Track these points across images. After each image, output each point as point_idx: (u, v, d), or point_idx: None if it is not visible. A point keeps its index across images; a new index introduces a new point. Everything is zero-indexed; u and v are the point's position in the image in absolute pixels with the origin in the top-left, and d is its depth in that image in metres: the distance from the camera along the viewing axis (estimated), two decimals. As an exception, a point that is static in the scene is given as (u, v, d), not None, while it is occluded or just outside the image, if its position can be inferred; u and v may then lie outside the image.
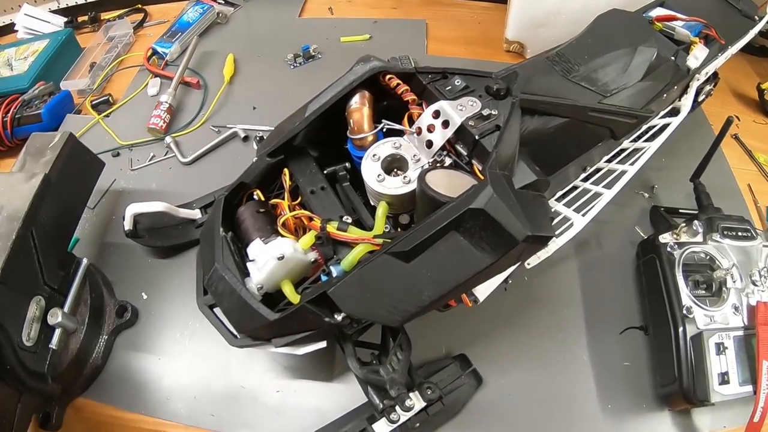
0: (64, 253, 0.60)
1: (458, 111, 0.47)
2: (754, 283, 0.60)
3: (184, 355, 0.60)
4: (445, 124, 0.47)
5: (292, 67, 0.92)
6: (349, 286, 0.42)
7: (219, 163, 0.78)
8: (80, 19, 1.02)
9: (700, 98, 0.82)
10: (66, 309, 0.55)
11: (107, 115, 0.84)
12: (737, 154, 0.87)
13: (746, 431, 0.53)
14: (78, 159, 0.63)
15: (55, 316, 0.53)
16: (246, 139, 0.80)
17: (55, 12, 1.01)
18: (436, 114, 0.48)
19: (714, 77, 0.80)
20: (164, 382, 0.59)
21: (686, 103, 0.70)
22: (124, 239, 0.64)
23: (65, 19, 1.00)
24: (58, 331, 0.54)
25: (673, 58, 0.65)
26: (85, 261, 0.60)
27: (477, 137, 0.46)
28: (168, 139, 0.78)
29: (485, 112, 0.47)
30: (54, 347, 0.53)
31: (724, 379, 0.55)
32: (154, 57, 0.92)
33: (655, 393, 0.60)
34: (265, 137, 0.61)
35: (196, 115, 0.83)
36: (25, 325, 0.51)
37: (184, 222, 0.68)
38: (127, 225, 0.63)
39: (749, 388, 0.56)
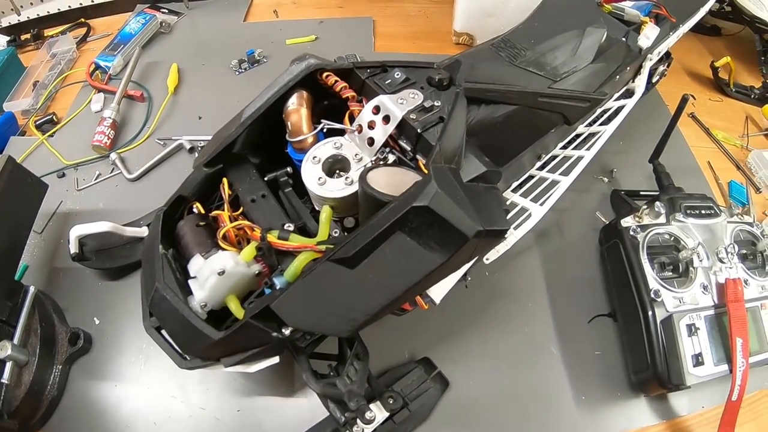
0: (11, 283, 0.57)
1: (399, 105, 0.45)
2: (721, 261, 0.60)
3: (140, 379, 0.58)
4: (386, 119, 0.45)
5: (237, 73, 0.90)
6: (293, 297, 0.40)
7: (166, 177, 0.75)
8: (23, 37, 0.98)
9: (655, 79, 0.81)
10: (15, 341, 0.53)
11: (51, 135, 0.80)
12: (695, 133, 0.87)
13: (725, 410, 0.53)
14: (19, 183, 0.60)
15: (5, 349, 0.51)
16: (192, 150, 0.77)
17: (-4, 32, 0.97)
18: (377, 109, 0.46)
19: (667, 57, 0.80)
20: (123, 409, 0.56)
21: (640, 84, 0.69)
22: (72, 264, 0.61)
23: (7, 38, 0.96)
24: (9, 365, 0.51)
25: (624, 39, 0.64)
26: (32, 289, 0.57)
27: (420, 131, 0.44)
28: (113, 155, 0.75)
29: (427, 104, 0.45)
30: (6, 381, 0.50)
31: (698, 360, 0.55)
32: (97, 72, 0.88)
33: (629, 380, 0.60)
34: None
35: (141, 129, 0.80)
36: (-27, 360, 0.48)
37: (132, 241, 0.65)
38: (73, 248, 0.60)
39: (725, 367, 0.55)
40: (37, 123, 0.81)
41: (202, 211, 0.50)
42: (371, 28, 1.00)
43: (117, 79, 0.87)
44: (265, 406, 0.56)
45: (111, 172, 0.75)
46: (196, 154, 0.57)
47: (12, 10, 0.98)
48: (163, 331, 0.48)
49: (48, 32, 0.98)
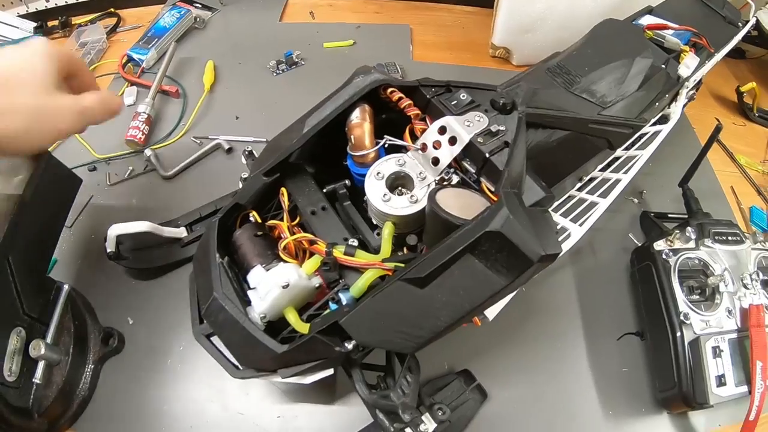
0: (44, 278, 0.57)
1: (466, 127, 0.46)
2: (745, 287, 0.62)
3: (175, 382, 0.57)
4: (453, 140, 0.46)
5: (274, 74, 0.89)
6: (362, 314, 0.41)
7: (202, 176, 0.74)
8: (50, 23, 0.96)
9: (684, 102, 0.83)
10: (49, 340, 0.52)
11: (83, 128, 0.79)
12: (719, 157, 0.89)
13: (743, 429, 0.55)
14: (54, 177, 0.58)
15: (38, 348, 0.50)
16: (230, 150, 0.77)
17: (23, 17, 0.95)
18: (443, 130, 0.47)
19: (698, 82, 0.82)
20: (156, 411, 0.56)
21: (676, 110, 0.70)
22: (105, 259, 0.60)
23: (34, 24, 0.94)
24: (41, 364, 0.50)
25: (663, 66, 0.65)
26: (66, 287, 0.56)
27: (487, 155, 0.44)
28: (148, 151, 0.74)
29: (493, 128, 0.46)
30: (38, 381, 0.49)
31: (721, 381, 0.57)
32: (129, 64, 0.87)
33: (654, 397, 0.61)
34: (251, 149, 0.59)
35: (176, 125, 0.79)
36: (5, 359, 0.47)
37: (169, 241, 0.64)
38: (110, 247, 0.60)
39: (744, 388, 0.57)
40: (67, 114, 0.80)
41: (259, 220, 0.50)
42: (409, 35, 1.00)
43: (150, 73, 0.86)
44: (305, 413, 0.56)
45: (145, 168, 0.74)
46: (243, 157, 0.56)
47: (39, -6, 0.96)
48: (214, 339, 0.49)
49: (76, 20, 0.97)
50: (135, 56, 0.87)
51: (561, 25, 0.70)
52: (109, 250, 0.60)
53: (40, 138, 0.46)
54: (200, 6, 0.98)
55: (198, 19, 0.95)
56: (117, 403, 0.56)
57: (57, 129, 0.47)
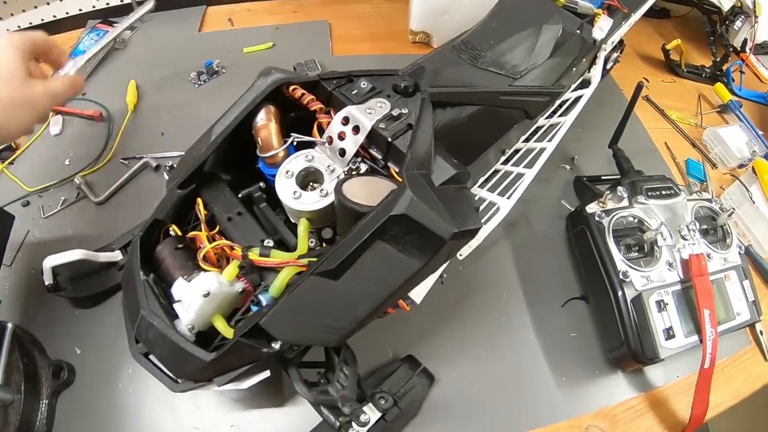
0: (-14, 321, 0.55)
1: (367, 115, 0.46)
2: (683, 238, 0.63)
3: (129, 405, 0.57)
4: (356, 129, 0.46)
5: (196, 85, 0.88)
6: (281, 313, 0.40)
7: (133, 197, 0.74)
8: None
9: (609, 66, 0.84)
10: None
11: (11, 162, 0.78)
12: (650, 115, 0.90)
13: (699, 378, 0.56)
14: (-14, 217, 0.58)
15: None
16: (158, 168, 0.76)
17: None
18: (345, 120, 0.46)
19: (620, 44, 0.83)
20: (115, 438, 0.55)
21: (596, 73, 0.71)
22: (47, 294, 0.59)
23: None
24: None
25: (578, 31, 0.66)
26: (10, 325, 0.55)
27: (390, 139, 0.44)
28: (77, 179, 0.73)
29: (395, 112, 0.46)
30: None
31: (669, 334, 0.58)
32: (52, 93, 0.86)
33: (606, 358, 0.62)
34: (173, 164, 0.58)
35: (103, 149, 0.78)
36: (-43, 405, 0.46)
37: (106, 266, 0.63)
38: (47, 279, 0.59)
39: (695, 338, 0.59)
40: (-5, 152, 0.79)
41: (179, 234, 0.50)
42: (328, 31, 1.00)
43: (74, 100, 0.85)
44: (257, 419, 0.56)
45: (77, 196, 0.73)
46: (165, 173, 0.56)
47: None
48: (152, 357, 0.48)
49: (-3, 54, 0.95)
50: (57, 84, 0.85)
51: (477, 4, 0.70)
52: (47, 283, 0.59)
53: (18, 126, 0.50)
54: (120, 27, 0.97)
55: (118, 40, 0.93)
56: (76, 436, 0.55)
57: (35, 114, 0.52)
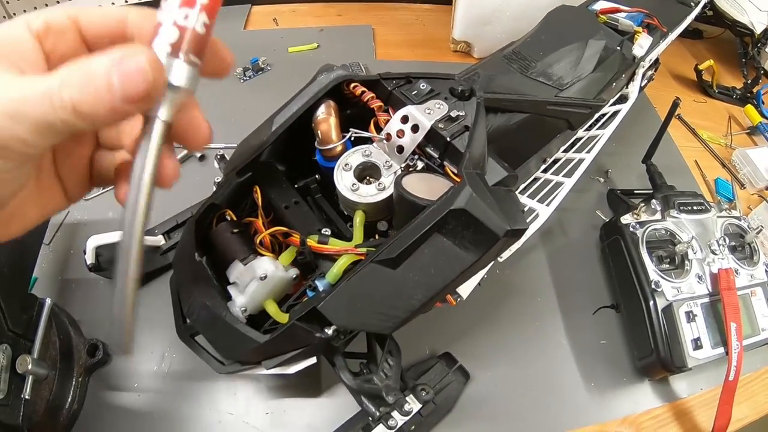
0: (26, 295, 0.57)
1: (426, 114, 0.47)
2: (713, 252, 0.64)
3: (164, 388, 0.58)
4: (415, 128, 0.48)
5: (242, 81, 0.90)
6: (338, 298, 0.42)
7: (177, 185, 0.73)
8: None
9: (643, 83, 0.85)
10: (35, 355, 0.52)
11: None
12: (682, 133, 0.92)
13: (723, 390, 0.57)
14: (29, 193, 0.59)
15: (25, 364, 0.50)
16: (203, 158, 0.78)
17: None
18: (405, 119, 0.48)
19: (655, 62, 0.84)
20: (147, 419, 0.56)
21: (633, 89, 0.73)
22: (86, 274, 0.61)
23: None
24: (29, 379, 0.50)
25: (618, 48, 0.68)
26: (48, 301, 0.56)
27: (448, 139, 0.46)
28: (122, 164, 0.75)
29: (453, 114, 0.48)
30: (27, 397, 0.49)
31: (697, 344, 0.59)
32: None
33: (634, 366, 0.63)
34: (223, 154, 0.60)
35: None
36: (-7, 376, 0.47)
37: (148, 250, 0.65)
38: (90, 259, 0.60)
39: (721, 350, 0.59)
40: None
41: (235, 218, 0.51)
42: (371, 36, 1.02)
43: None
44: (293, 408, 0.57)
45: (120, 181, 0.74)
46: (216, 161, 0.57)
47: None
48: (198, 338, 0.50)
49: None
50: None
51: (518, 16, 0.72)
52: (89, 262, 0.60)
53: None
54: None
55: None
56: (106, 415, 0.56)
57: (30, 125, 0.37)
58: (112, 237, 0.60)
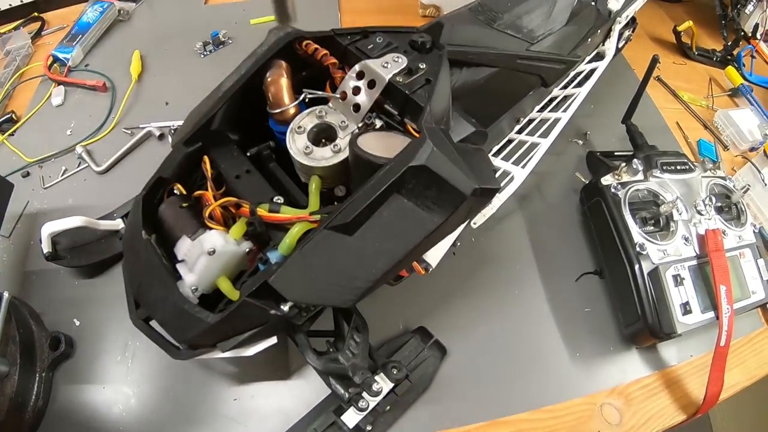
0: (-17, 292, 0.54)
1: (384, 68, 0.44)
2: (699, 213, 0.62)
3: (129, 378, 0.55)
4: (371, 83, 0.44)
5: (202, 56, 0.87)
6: (291, 270, 0.39)
7: (136, 167, 0.72)
8: (-26, 35, 0.92)
9: (621, 44, 0.83)
10: None
11: (12, 134, 0.76)
12: (662, 95, 0.90)
13: (714, 355, 0.55)
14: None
15: None
16: (162, 137, 0.75)
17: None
18: (360, 75, 0.45)
19: (632, 22, 0.82)
20: (114, 411, 0.53)
21: (610, 46, 0.70)
22: (47, 264, 0.58)
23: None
24: None
25: (593, 2, 0.65)
26: (6, 294, 0.54)
27: (408, 93, 0.43)
28: (79, 149, 0.72)
29: (413, 67, 0.45)
30: None
31: (686, 309, 0.57)
32: (55, 65, 0.85)
33: (620, 334, 0.61)
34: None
35: (106, 119, 0.77)
36: (-49, 376, 0.45)
37: (107, 235, 0.62)
38: (45, 247, 0.57)
39: (711, 314, 0.57)
40: (-5, 123, 0.77)
41: (184, 192, 0.48)
42: (336, 3, 0.99)
43: (77, 71, 0.84)
44: (262, 392, 0.54)
45: (78, 166, 0.71)
46: (170, 139, 0.55)
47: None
48: (153, 323, 0.47)
49: (0, 29, 0.94)
50: (60, 56, 0.84)
51: (489, -23, 0.69)
52: (45, 251, 0.58)
53: None
54: (124, -2, 0.96)
55: (122, 12, 0.93)
56: (74, 409, 0.54)
57: None
58: (67, 222, 0.57)
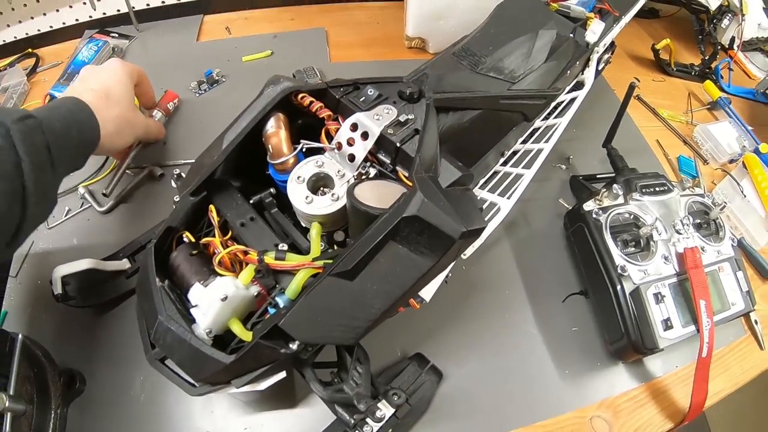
0: (-4, 332, 0.56)
1: (375, 121, 0.47)
2: (678, 232, 0.64)
3: (141, 413, 0.57)
4: (365, 135, 0.47)
5: (197, 94, 0.89)
6: (299, 314, 0.42)
7: (138, 206, 0.74)
8: (-33, 71, 0.93)
9: (600, 67, 0.86)
10: (11, 391, 0.51)
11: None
12: (642, 113, 0.92)
13: (697, 366, 0.57)
14: (-11, 227, 0.58)
15: (1, 402, 0.48)
16: (161, 176, 0.76)
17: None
18: (354, 127, 0.48)
19: (611, 46, 0.85)
20: (128, 446, 0.55)
21: (589, 75, 0.74)
22: (55, 304, 0.60)
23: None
24: (8, 417, 0.49)
25: (571, 35, 0.68)
26: (20, 336, 0.55)
27: (398, 144, 0.46)
28: (81, 189, 0.74)
29: (402, 118, 0.48)
30: None
31: (667, 324, 0.60)
32: (52, 103, 0.86)
33: (606, 350, 0.64)
34: (180, 172, 0.59)
35: (107, 158, 0.78)
36: (-31, 418, 0.47)
37: (114, 274, 0.64)
38: (56, 289, 0.59)
39: (692, 327, 0.60)
40: (-4, 163, 0.79)
41: (193, 240, 0.51)
42: (324, 38, 1.01)
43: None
44: (271, 421, 0.57)
45: (81, 206, 0.73)
46: (173, 181, 0.57)
47: (-49, 46, 0.94)
48: (168, 362, 0.49)
49: (-6, 66, 0.95)
50: (57, 95, 0.85)
51: (471, 8, 0.72)
52: (56, 293, 0.59)
53: (121, 141, 0.64)
54: (117, 36, 0.97)
55: (116, 49, 0.94)
56: (87, 445, 0.55)
57: (133, 135, 0.67)
58: (77, 265, 0.59)
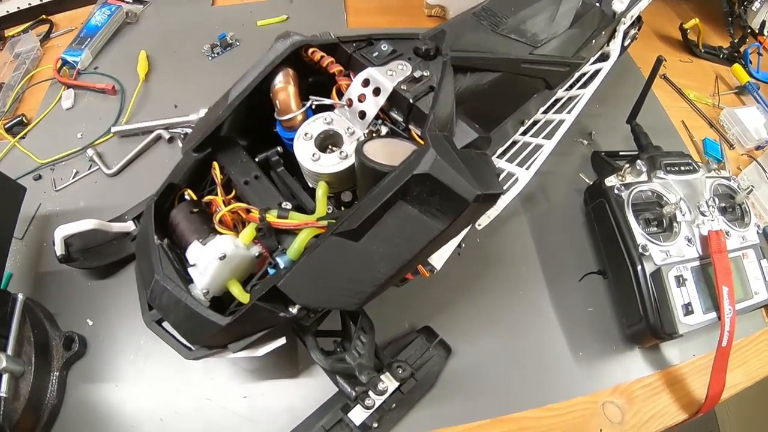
0: (-1, 293, 0.55)
1: (388, 76, 0.45)
2: (702, 214, 0.62)
3: (141, 377, 0.56)
4: (377, 91, 0.45)
5: (210, 58, 0.88)
6: (299, 275, 0.40)
7: (146, 169, 0.73)
8: (-18, 38, 0.93)
9: (626, 42, 0.83)
10: (9, 351, 0.51)
11: (23, 137, 0.77)
12: (668, 93, 0.90)
13: (716, 356, 0.55)
14: (-3, 189, 0.57)
15: (0, 361, 0.49)
16: (171, 140, 0.75)
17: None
18: (366, 82, 0.46)
19: (638, 21, 0.82)
20: (127, 409, 0.55)
21: (615, 47, 0.71)
22: (60, 266, 0.59)
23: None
24: (5, 377, 0.49)
25: (597, 4, 0.65)
26: (20, 296, 0.55)
27: (411, 101, 0.44)
28: (90, 151, 0.73)
29: (417, 74, 0.45)
30: (4, 395, 0.48)
31: (688, 309, 0.57)
32: (64, 67, 0.85)
33: (623, 334, 0.62)
34: (188, 133, 0.58)
35: (116, 121, 0.78)
36: (-33, 376, 0.46)
37: (119, 236, 0.63)
38: (59, 250, 0.58)
39: (713, 314, 0.58)
40: (7, 126, 0.78)
41: (195, 198, 0.49)
42: (342, 3, 0.99)
43: (86, 74, 0.84)
44: (271, 390, 0.55)
45: (89, 168, 0.72)
46: (179, 141, 0.55)
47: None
48: (165, 324, 0.48)
49: (9, 32, 0.94)
50: (69, 59, 0.84)
51: (494, -24, 0.69)
52: (59, 253, 0.58)
53: None
54: (131, 0, 0.96)
55: (130, 14, 0.93)
56: (87, 408, 0.55)
57: None
58: (79, 225, 0.58)
